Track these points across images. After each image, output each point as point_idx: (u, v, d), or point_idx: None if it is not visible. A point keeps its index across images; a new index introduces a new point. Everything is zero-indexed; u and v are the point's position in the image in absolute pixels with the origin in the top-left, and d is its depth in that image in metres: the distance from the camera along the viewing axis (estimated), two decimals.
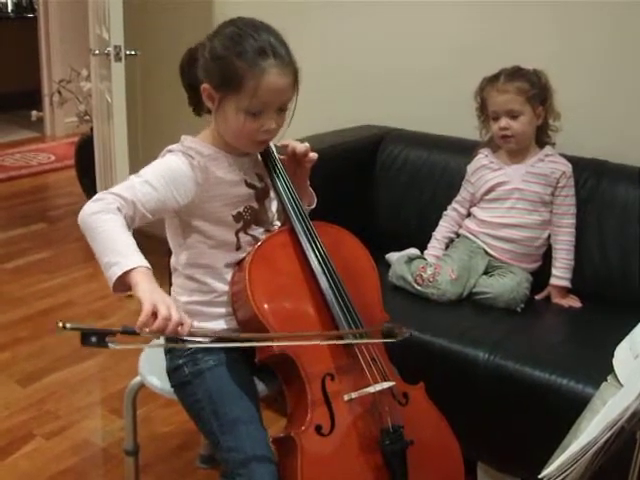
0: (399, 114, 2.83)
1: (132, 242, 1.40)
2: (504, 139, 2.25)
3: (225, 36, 1.51)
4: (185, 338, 1.43)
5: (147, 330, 1.29)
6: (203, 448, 2.18)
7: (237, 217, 1.59)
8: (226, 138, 1.57)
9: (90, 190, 4.26)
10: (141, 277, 1.35)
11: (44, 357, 2.75)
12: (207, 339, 1.58)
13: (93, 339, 1.26)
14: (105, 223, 1.40)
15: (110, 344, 1.27)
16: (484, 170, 2.33)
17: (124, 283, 1.36)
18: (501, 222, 2.26)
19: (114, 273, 1.35)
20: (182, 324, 1.31)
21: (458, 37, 2.69)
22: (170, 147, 1.57)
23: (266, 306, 1.50)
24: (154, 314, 1.29)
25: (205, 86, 1.53)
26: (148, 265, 1.38)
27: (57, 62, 5.95)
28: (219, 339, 1.56)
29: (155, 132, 3.88)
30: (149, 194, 1.47)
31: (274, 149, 1.67)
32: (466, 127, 2.37)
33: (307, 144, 1.69)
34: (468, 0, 2.63)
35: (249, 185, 1.62)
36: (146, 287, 1.34)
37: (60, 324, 1.23)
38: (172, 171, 1.51)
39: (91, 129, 4.19)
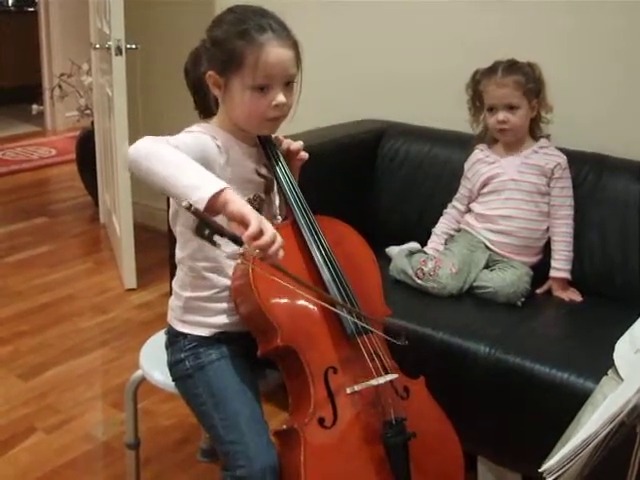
0: (400, 108, 2.83)
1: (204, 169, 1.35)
2: (502, 132, 2.26)
3: (225, 22, 1.53)
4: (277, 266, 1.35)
5: (254, 244, 1.27)
6: (204, 442, 2.18)
7: None
8: (238, 123, 1.57)
9: (91, 184, 4.27)
10: (235, 195, 1.31)
11: (45, 351, 2.76)
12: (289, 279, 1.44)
13: (206, 231, 1.25)
14: (171, 149, 1.36)
15: (218, 243, 1.27)
16: (480, 164, 2.34)
17: (211, 206, 1.30)
18: (499, 214, 2.26)
19: (209, 191, 1.28)
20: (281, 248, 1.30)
21: (459, 33, 2.68)
22: (189, 129, 1.54)
23: (270, 299, 1.51)
24: (260, 231, 1.27)
25: (210, 73, 1.53)
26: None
27: (58, 56, 5.94)
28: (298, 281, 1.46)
29: (156, 126, 3.86)
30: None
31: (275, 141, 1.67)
32: (467, 121, 2.37)
33: (301, 142, 1.69)
34: None
35: (260, 175, 1.63)
36: (246, 205, 1.31)
37: (185, 203, 1.24)
38: (202, 145, 1.49)
39: (92, 123, 4.19)
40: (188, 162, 1.35)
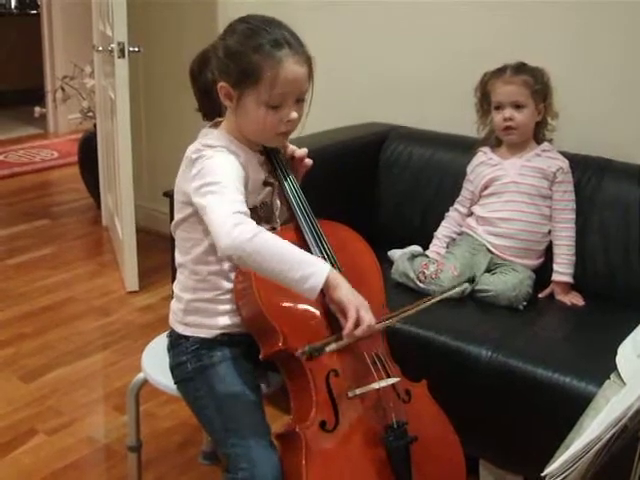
0: (403, 112, 2.83)
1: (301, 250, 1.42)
2: (507, 130, 2.26)
3: (239, 33, 1.51)
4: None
5: (350, 336, 1.40)
6: (205, 444, 2.18)
7: (252, 211, 1.59)
8: (248, 135, 1.57)
9: (93, 187, 4.27)
10: (339, 279, 1.41)
11: (47, 353, 2.76)
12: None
13: (316, 354, 1.43)
14: (271, 241, 1.39)
15: (327, 349, 1.44)
16: (482, 166, 2.34)
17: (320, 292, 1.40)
18: (499, 216, 2.26)
19: (318, 282, 1.37)
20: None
21: (463, 36, 2.68)
22: (208, 142, 1.53)
23: (272, 303, 1.51)
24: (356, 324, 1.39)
25: (222, 84, 1.52)
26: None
27: (60, 58, 5.95)
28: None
29: (158, 129, 3.88)
30: (244, 202, 1.46)
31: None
32: (471, 125, 2.37)
33: (305, 149, 1.69)
34: (473, 1, 2.63)
35: (267, 183, 1.63)
36: (347, 289, 1.41)
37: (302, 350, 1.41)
38: (237, 170, 1.50)
39: (94, 126, 4.19)
40: (290, 251, 1.39)
